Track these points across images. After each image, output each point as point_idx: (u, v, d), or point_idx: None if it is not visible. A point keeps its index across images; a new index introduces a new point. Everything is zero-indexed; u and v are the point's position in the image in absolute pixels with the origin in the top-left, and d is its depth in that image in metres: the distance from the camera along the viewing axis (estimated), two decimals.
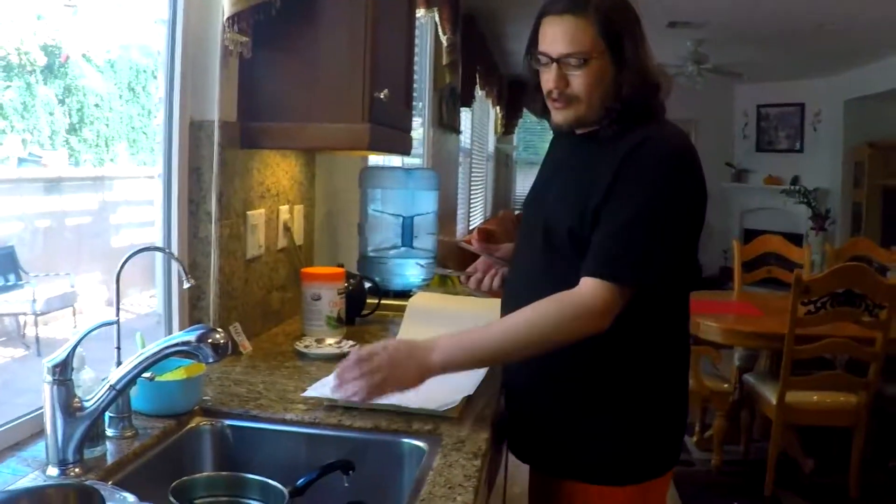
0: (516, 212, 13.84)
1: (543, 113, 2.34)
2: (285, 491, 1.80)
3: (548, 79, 2.20)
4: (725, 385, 5.50)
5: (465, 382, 2.34)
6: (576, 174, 2.25)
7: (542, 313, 2.09)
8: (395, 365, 2.07)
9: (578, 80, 2.15)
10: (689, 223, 2.16)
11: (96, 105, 2.64)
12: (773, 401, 5.04)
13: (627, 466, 2.25)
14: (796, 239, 9.97)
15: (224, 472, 2.00)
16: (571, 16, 2.13)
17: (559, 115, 2.24)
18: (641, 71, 2.16)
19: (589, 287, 2.07)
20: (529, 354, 2.16)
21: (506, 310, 2.32)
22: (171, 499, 1.71)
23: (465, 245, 2.72)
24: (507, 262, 2.56)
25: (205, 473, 2.03)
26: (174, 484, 1.78)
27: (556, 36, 2.15)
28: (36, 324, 3.92)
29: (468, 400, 2.28)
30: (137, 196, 3.01)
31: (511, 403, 2.44)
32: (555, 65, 2.16)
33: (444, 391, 2.24)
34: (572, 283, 2.11)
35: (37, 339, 3.95)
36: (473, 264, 2.66)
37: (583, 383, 2.23)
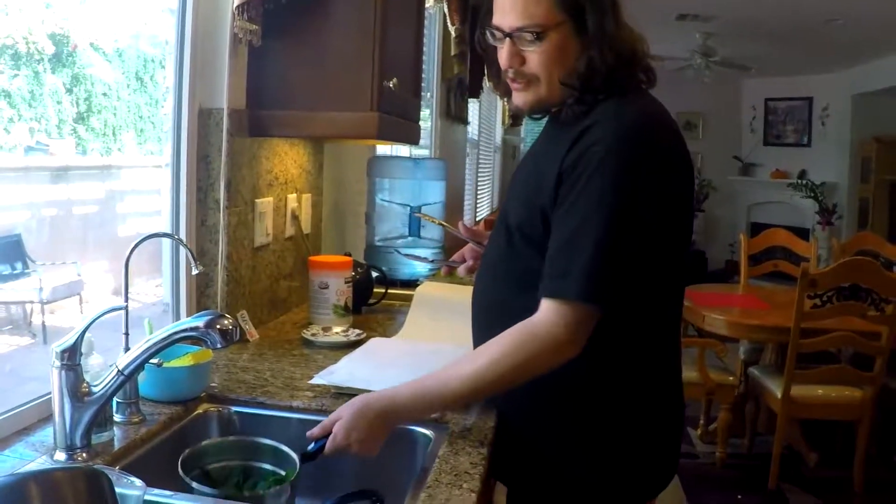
0: None
1: (507, 94, 2.10)
2: (296, 456, 1.84)
3: (502, 56, 1.98)
4: (731, 378, 5.49)
5: None
6: (531, 163, 2.12)
7: (505, 353, 1.86)
8: (363, 448, 1.88)
9: (535, 57, 1.94)
10: (656, 215, 1.87)
11: (104, 94, 2.64)
12: (778, 394, 5.04)
13: (618, 488, 2.08)
14: (803, 233, 9.99)
15: (232, 437, 2.02)
16: None
17: (518, 98, 2.04)
18: (609, 43, 1.90)
19: (547, 313, 1.85)
20: (501, 392, 1.96)
21: (473, 305, 2.22)
22: (181, 472, 1.73)
23: (451, 230, 2.67)
24: None
25: (212, 440, 2.02)
26: (183, 455, 1.80)
27: (506, 6, 1.93)
28: (42, 312, 3.93)
29: None
30: (144, 185, 3.02)
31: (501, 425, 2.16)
32: (508, 40, 1.94)
33: None
34: (525, 281, 1.96)
35: (43, 327, 3.96)
36: (459, 252, 2.51)
37: (564, 405, 2.04)
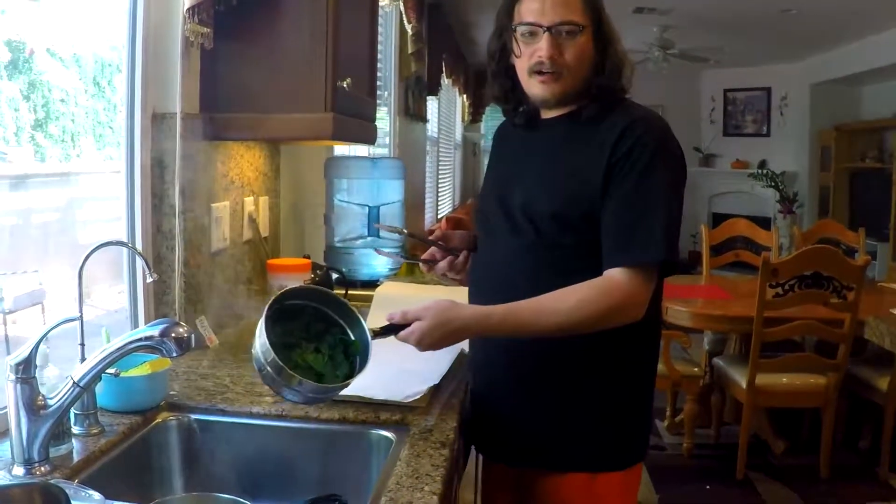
0: None
1: (506, 98, 2.34)
2: (367, 328, 2.01)
3: (538, 48, 2.14)
4: (696, 369, 5.51)
5: (430, 372, 2.34)
6: (556, 157, 2.23)
7: (589, 305, 2.04)
8: (431, 344, 2.05)
9: (571, 50, 2.14)
10: (679, 195, 2.15)
11: (62, 100, 2.61)
12: (744, 384, 5.06)
13: (619, 452, 2.27)
14: (764, 222, 10.01)
15: (321, 289, 2.11)
16: None
17: (546, 90, 2.19)
18: (617, 50, 2.19)
19: (623, 278, 2.05)
20: (560, 336, 2.11)
21: (478, 302, 2.27)
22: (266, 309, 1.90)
23: (418, 238, 2.68)
24: (459, 251, 2.48)
25: (301, 285, 2.13)
26: (276, 295, 1.96)
27: (547, 6, 2.12)
28: (5, 322, 3.88)
29: (435, 389, 2.28)
30: (104, 191, 2.99)
31: (485, 400, 2.39)
32: (547, 34, 2.12)
33: (410, 381, 2.24)
34: (558, 266, 2.14)
35: (6, 337, 3.91)
36: (430, 251, 2.54)
37: (564, 374, 2.22)
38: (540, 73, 2.17)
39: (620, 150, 2.07)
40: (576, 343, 2.13)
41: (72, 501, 1.38)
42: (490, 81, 2.37)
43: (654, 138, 2.10)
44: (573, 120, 2.22)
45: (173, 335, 1.73)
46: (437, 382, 2.30)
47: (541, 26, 2.12)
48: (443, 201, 11.42)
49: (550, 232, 2.17)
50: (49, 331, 1.74)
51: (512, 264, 2.26)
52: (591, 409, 2.23)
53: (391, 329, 2.04)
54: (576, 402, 2.23)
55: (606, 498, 2.28)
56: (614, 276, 2.05)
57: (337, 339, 2.02)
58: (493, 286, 2.30)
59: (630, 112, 2.16)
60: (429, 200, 9.67)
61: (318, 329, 2.03)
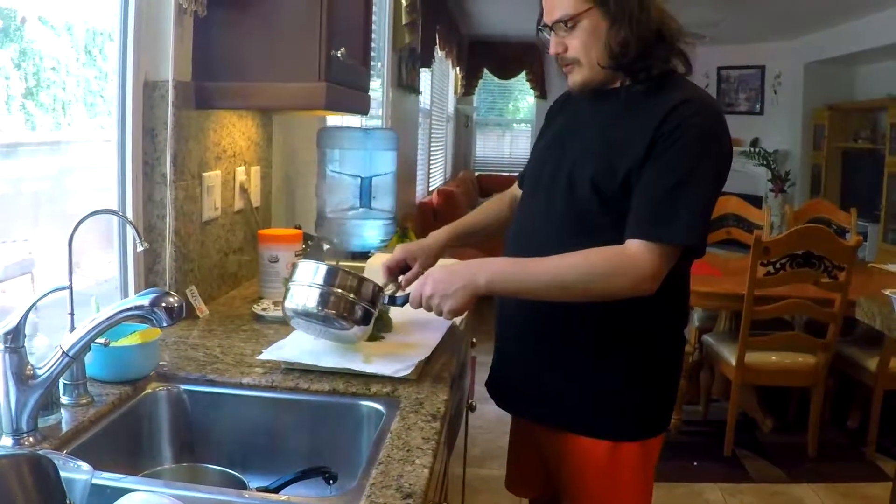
0: (476, 173, 13.84)
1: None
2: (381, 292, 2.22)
3: (549, 46, 2.28)
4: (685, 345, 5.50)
5: (421, 346, 2.34)
6: (601, 129, 2.28)
7: (594, 264, 2.11)
8: (442, 290, 2.14)
9: (573, 42, 2.22)
10: (719, 186, 2.20)
11: (53, 68, 2.59)
12: (733, 361, 5.07)
13: (639, 424, 2.36)
14: (756, 201, 10.03)
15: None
16: None
17: (569, 79, 2.31)
18: (636, 20, 2.17)
19: (640, 249, 2.09)
20: (565, 300, 2.18)
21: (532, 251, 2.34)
22: None
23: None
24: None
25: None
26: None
27: (548, 5, 2.24)
28: None
29: (426, 363, 2.28)
30: (95, 160, 2.98)
31: (510, 355, 2.52)
32: (552, 32, 2.25)
33: (399, 355, 2.24)
34: (592, 237, 2.17)
35: None
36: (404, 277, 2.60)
37: (592, 338, 2.30)
38: (560, 65, 2.31)
39: (667, 125, 2.11)
40: (606, 309, 2.19)
41: (61, 472, 1.37)
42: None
43: (704, 121, 2.15)
44: (617, 95, 2.28)
45: (164, 305, 1.71)
46: (427, 355, 2.30)
47: (546, 26, 2.26)
48: (434, 173, 11.40)
49: (587, 200, 2.22)
50: (39, 299, 1.73)
51: (545, 228, 2.34)
52: (616, 376, 2.31)
53: (404, 300, 2.24)
54: (601, 368, 2.31)
55: (625, 468, 2.36)
56: (630, 245, 2.10)
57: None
58: (524, 246, 2.37)
59: (685, 90, 2.22)
60: (420, 172, 9.65)
61: None
